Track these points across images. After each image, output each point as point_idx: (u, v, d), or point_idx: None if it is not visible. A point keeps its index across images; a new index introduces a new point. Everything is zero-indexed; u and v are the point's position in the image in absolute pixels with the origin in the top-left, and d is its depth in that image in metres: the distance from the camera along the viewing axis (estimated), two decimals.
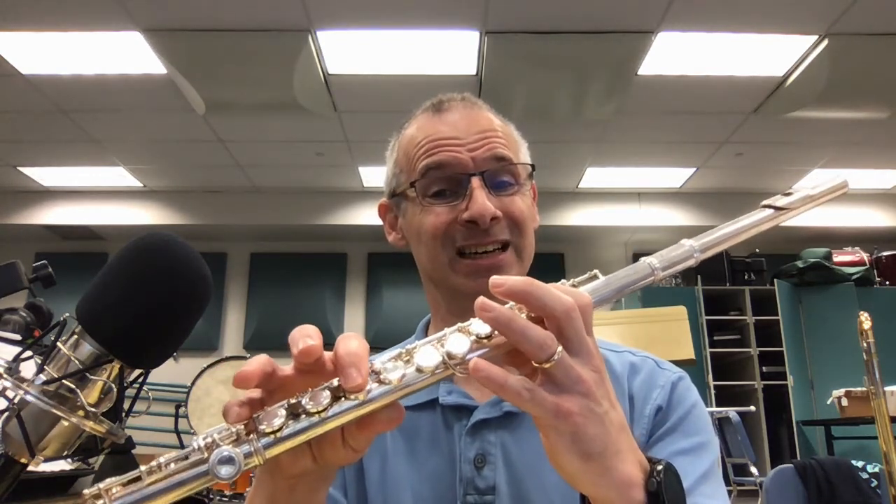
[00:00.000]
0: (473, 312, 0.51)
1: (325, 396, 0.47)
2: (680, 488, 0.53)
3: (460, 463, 0.77)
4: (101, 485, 0.44)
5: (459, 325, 0.51)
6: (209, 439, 0.46)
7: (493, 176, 0.81)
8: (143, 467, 0.45)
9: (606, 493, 0.50)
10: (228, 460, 0.44)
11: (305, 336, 0.50)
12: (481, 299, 0.49)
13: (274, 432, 0.46)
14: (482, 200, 0.78)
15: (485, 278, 0.79)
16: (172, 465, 0.45)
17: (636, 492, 0.50)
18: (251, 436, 0.47)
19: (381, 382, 0.48)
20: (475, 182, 0.80)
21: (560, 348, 0.48)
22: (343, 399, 0.48)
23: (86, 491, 0.44)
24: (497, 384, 0.47)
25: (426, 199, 0.82)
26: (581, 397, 0.48)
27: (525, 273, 0.83)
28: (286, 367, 0.51)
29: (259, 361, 0.50)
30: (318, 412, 0.47)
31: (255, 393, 0.51)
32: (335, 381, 0.49)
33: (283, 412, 0.47)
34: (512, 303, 0.51)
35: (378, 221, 0.93)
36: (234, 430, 0.47)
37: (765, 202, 0.66)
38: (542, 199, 0.95)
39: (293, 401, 0.48)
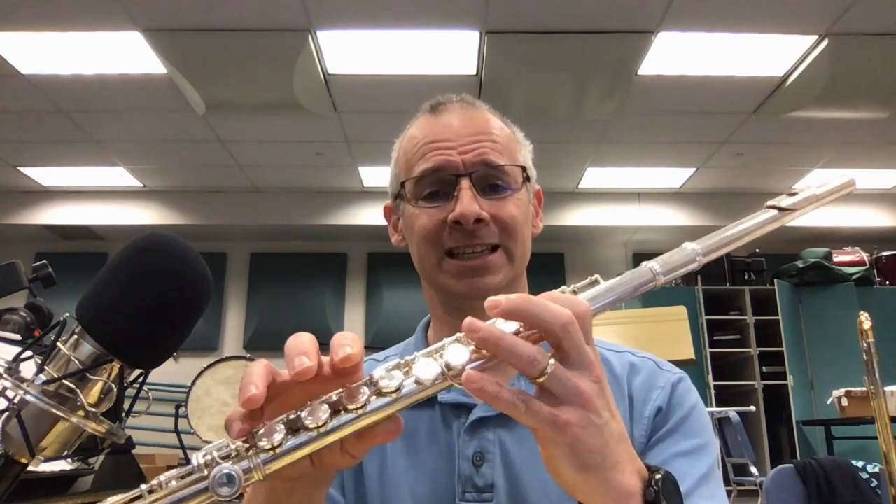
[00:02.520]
0: (465, 312, 0.51)
1: (324, 411, 0.48)
2: (678, 496, 0.53)
3: (459, 461, 0.77)
4: None
5: (459, 335, 0.51)
6: (209, 457, 0.47)
7: (484, 179, 0.82)
8: (143, 486, 0.46)
9: (604, 503, 0.50)
10: (228, 478, 0.45)
11: (301, 353, 0.49)
12: (469, 320, 0.48)
13: (273, 448, 0.47)
14: (467, 201, 0.79)
15: (472, 279, 0.81)
16: (174, 483, 0.46)
17: (634, 502, 0.50)
18: (251, 451, 0.47)
19: (379, 394, 0.48)
20: (464, 183, 0.81)
21: (553, 362, 0.47)
22: (342, 413, 0.48)
23: None
24: (491, 396, 0.47)
25: (419, 201, 0.83)
26: (580, 409, 0.48)
27: (517, 275, 0.84)
28: (284, 372, 0.51)
29: (261, 377, 0.49)
30: (318, 427, 0.47)
31: None
32: (333, 395, 0.49)
33: (282, 427, 0.48)
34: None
35: (378, 221, 0.94)
36: (233, 446, 0.48)
37: (769, 203, 0.64)
38: (543, 199, 0.94)
39: (292, 416, 0.48)
